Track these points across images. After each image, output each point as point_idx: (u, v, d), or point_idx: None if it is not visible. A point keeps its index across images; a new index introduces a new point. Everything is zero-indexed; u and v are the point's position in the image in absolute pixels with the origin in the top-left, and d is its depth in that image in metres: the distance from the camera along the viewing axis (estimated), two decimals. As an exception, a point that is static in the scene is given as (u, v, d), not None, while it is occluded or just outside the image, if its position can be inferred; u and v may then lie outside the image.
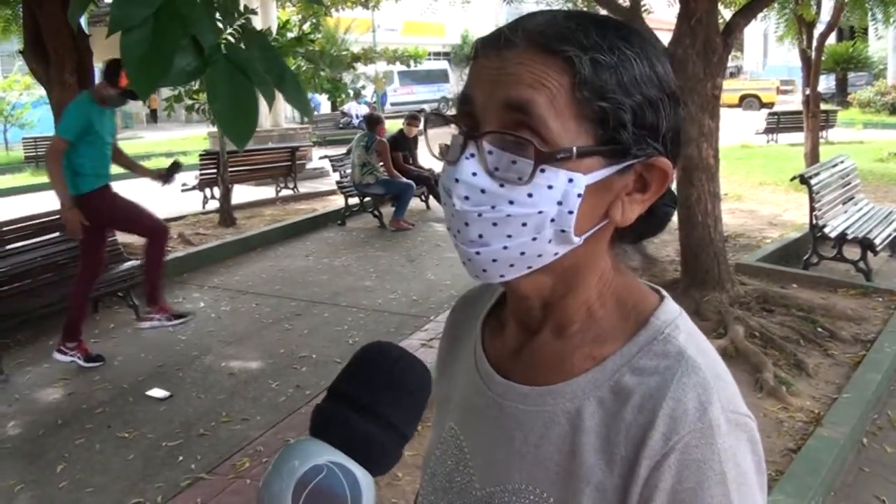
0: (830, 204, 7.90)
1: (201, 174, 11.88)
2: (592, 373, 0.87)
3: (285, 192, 13.42)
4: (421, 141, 9.10)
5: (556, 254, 0.85)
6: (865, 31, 17.48)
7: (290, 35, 10.37)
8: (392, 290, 7.70)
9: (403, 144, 11.67)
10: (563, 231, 0.82)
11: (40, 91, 13.12)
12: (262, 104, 2.03)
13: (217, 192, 11.46)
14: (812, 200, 7.56)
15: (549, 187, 0.80)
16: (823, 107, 16.20)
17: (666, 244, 7.39)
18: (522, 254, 0.83)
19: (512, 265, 0.84)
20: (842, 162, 8.65)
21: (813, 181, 7.60)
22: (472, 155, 0.82)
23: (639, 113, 0.81)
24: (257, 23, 8.06)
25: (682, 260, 6.41)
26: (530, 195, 0.80)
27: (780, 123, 19.73)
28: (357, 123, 24.05)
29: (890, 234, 7.70)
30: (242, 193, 12.76)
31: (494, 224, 0.82)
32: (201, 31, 1.87)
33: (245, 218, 11.27)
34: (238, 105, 1.91)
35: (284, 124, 18.26)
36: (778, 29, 13.96)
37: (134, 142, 24.68)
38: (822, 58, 13.30)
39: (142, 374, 5.67)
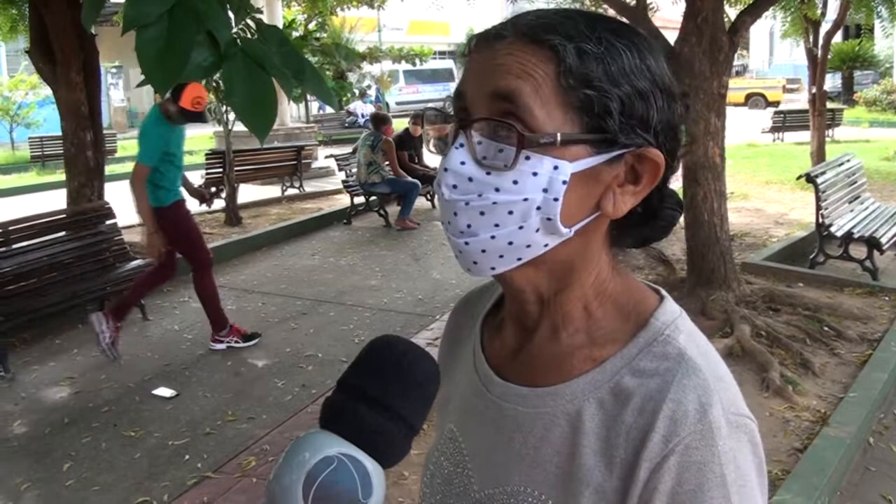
0: (837, 203, 7.88)
1: (207, 174, 11.89)
2: (592, 374, 0.87)
3: (291, 192, 13.42)
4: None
5: (546, 245, 0.84)
6: (872, 29, 17.39)
7: (295, 34, 10.37)
8: (398, 290, 7.70)
9: (409, 144, 11.68)
10: (549, 219, 0.82)
11: (46, 90, 13.17)
12: (282, 98, 2.03)
13: (223, 191, 11.46)
14: (818, 199, 7.54)
15: (535, 174, 0.80)
16: (829, 105, 16.14)
17: (672, 243, 7.38)
18: (510, 243, 0.83)
19: (501, 256, 0.84)
20: (848, 160, 8.62)
21: (819, 180, 7.58)
22: (462, 145, 0.83)
23: (626, 103, 0.81)
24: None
25: (689, 259, 6.40)
26: (515, 182, 0.81)
27: (785, 122, 19.67)
28: (362, 122, 24.06)
29: (896, 234, 7.67)
30: (248, 193, 12.77)
31: (482, 213, 0.82)
32: (217, 26, 1.87)
33: (251, 217, 11.28)
34: (257, 98, 1.92)
35: (290, 123, 18.26)
36: (784, 26, 13.92)
37: (140, 141, 24.69)
38: (829, 56, 13.25)
39: (148, 373, 5.68)
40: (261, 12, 2.87)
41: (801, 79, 30.88)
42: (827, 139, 14.18)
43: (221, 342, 6.05)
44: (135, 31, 1.78)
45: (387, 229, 10.72)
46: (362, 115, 25.14)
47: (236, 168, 11.30)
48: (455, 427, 1.01)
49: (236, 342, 6.07)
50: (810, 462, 3.90)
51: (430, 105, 1.02)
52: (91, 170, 7.87)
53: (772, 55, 41.53)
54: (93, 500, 4.08)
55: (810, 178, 7.58)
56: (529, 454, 0.89)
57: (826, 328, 5.74)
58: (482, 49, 0.85)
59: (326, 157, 15.15)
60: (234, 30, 2.08)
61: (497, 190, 0.81)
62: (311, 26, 18.75)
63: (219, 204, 11.60)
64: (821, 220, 7.54)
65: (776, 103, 29.49)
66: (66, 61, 7.55)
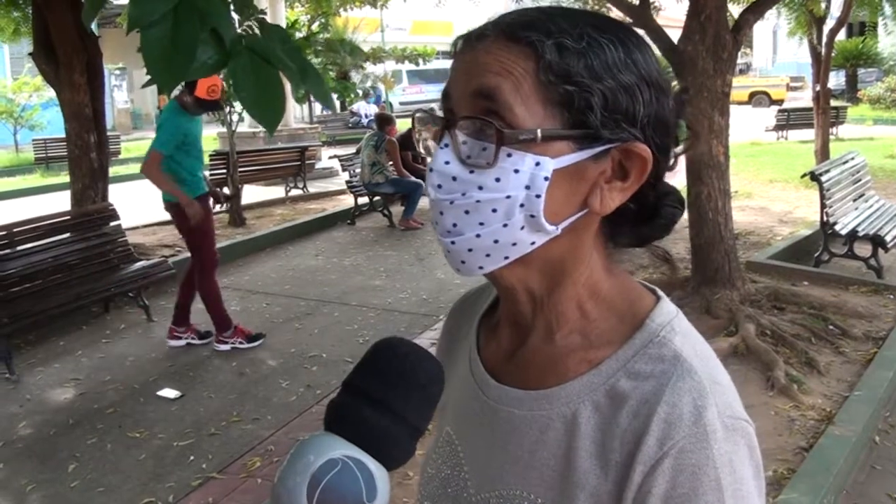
0: (841, 201, 7.86)
1: (211, 174, 11.89)
2: (588, 376, 0.86)
3: (295, 192, 13.43)
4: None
5: (532, 243, 0.84)
6: (875, 26, 17.40)
7: (298, 34, 10.38)
8: (402, 290, 7.70)
9: (412, 144, 11.65)
10: (532, 216, 0.82)
11: (50, 93, 13.17)
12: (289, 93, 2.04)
13: (227, 192, 11.47)
14: (823, 197, 7.52)
15: (516, 171, 0.80)
16: (833, 103, 16.12)
17: (676, 242, 7.38)
18: (496, 241, 0.83)
19: (488, 255, 0.84)
20: (852, 159, 8.60)
21: (823, 178, 7.56)
22: (447, 145, 0.84)
23: (610, 97, 0.80)
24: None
25: (693, 258, 6.39)
26: (498, 179, 0.81)
27: (789, 120, 19.65)
28: (366, 123, 24.06)
29: (901, 231, 7.65)
30: (252, 193, 12.78)
31: (466, 212, 0.82)
32: (221, 24, 1.87)
33: (255, 218, 11.29)
34: (264, 92, 1.92)
35: (293, 124, 18.27)
36: (789, 24, 13.90)
37: (144, 142, 24.73)
38: (832, 54, 13.23)
39: (153, 374, 5.69)
40: (264, 13, 2.87)
41: (804, 77, 30.87)
42: (831, 137, 14.15)
43: (226, 343, 6.05)
44: (139, 30, 1.78)
45: (391, 229, 10.73)
46: (366, 116, 25.15)
47: (240, 169, 11.32)
48: (451, 430, 1.01)
49: (240, 343, 6.07)
50: (816, 461, 3.90)
51: (420, 107, 1.02)
52: (95, 171, 7.89)
53: (775, 53, 41.49)
54: (98, 501, 4.08)
55: (814, 177, 7.56)
56: (525, 457, 0.88)
57: (831, 327, 5.73)
58: (466, 49, 0.86)
59: (330, 157, 15.15)
60: (239, 30, 2.08)
61: (480, 188, 0.81)
62: (315, 27, 18.77)
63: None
64: (825, 218, 7.52)
65: (780, 101, 29.43)
66: (69, 63, 7.56)
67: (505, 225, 0.82)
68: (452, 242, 0.85)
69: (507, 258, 0.85)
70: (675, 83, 0.89)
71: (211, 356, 5.98)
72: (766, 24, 30.63)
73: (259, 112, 1.92)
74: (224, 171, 11.41)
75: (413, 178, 10.88)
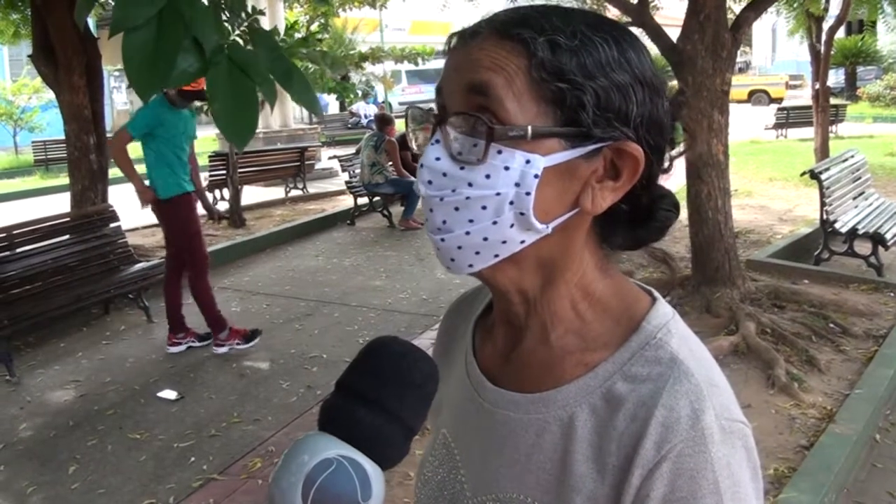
0: (841, 199, 7.86)
1: (211, 175, 11.90)
2: (584, 379, 0.86)
3: (294, 193, 13.44)
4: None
5: (522, 242, 0.83)
6: (874, 24, 17.39)
7: (297, 36, 10.38)
8: (402, 290, 7.70)
9: (412, 144, 11.66)
10: (522, 214, 0.81)
11: (49, 95, 13.20)
12: (267, 106, 2.02)
13: (227, 193, 11.49)
14: (822, 196, 7.52)
15: (506, 168, 0.80)
16: (833, 101, 16.11)
17: (676, 241, 7.37)
18: (485, 239, 0.83)
19: (478, 252, 0.84)
20: (852, 157, 8.60)
21: (823, 176, 7.56)
22: (438, 141, 0.83)
23: (602, 96, 0.80)
24: (265, 23, 8.07)
25: (693, 256, 6.39)
26: (488, 176, 0.80)
27: (789, 118, 19.67)
28: (365, 123, 24.06)
29: (901, 229, 7.65)
30: (252, 194, 12.78)
31: (456, 209, 0.82)
32: (203, 32, 1.86)
33: (255, 219, 11.30)
34: (238, 105, 1.91)
35: (293, 125, 18.27)
36: (789, 23, 13.90)
37: (143, 144, 24.76)
38: (832, 52, 13.22)
39: (153, 375, 5.69)
40: (262, 13, 2.87)
41: (804, 75, 30.86)
42: (830, 135, 14.16)
43: (223, 346, 6.03)
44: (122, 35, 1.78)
45: (390, 230, 10.73)
46: (365, 116, 25.16)
47: (240, 170, 11.32)
48: (447, 432, 1.01)
49: (238, 344, 6.06)
50: (817, 459, 3.89)
51: (414, 104, 1.01)
52: (94, 173, 7.89)
53: (775, 52, 41.51)
54: (99, 503, 4.08)
55: (814, 175, 7.56)
56: (521, 460, 0.88)
57: (831, 325, 5.73)
58: (459, 46, 0.85)
59: (330, 158, 15.16)
60: (235, 34, 2.08)
61: (470, 185, 0.81)
62: (314, 27, 18.75)
63: (223, 206, 11.66)
64: (825, 216, 7.52)
65: (779, 100, 29.45)
66: (68, 65, 7.56)
67: (494, 222, 0.82)
68: (442, 240, 0.84)
69: (496, 256, 0.84)
70: (671, 84, 0.89)
71: (211, 357, 5.98)
72: (765, 22, 30.59)
73: (230, 125, 1.91)
74: (224, 171, 11.42)
75: (413, 179, 10.85)
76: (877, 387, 4.73)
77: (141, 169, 5.76)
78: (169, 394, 5.32)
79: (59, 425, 4.96)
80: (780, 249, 7.90)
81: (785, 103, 25.32)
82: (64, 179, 11.18)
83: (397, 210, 10.96)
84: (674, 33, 6.09)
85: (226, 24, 2.15)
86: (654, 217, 0.91)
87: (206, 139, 19.70)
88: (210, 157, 12.48)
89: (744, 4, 7.09)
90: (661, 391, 0.80)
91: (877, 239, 7.23)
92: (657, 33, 6.06)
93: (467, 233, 0.83)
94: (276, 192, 13.58)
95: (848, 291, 6.57)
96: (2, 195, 15.82)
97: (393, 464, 0.76)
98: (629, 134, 0.82)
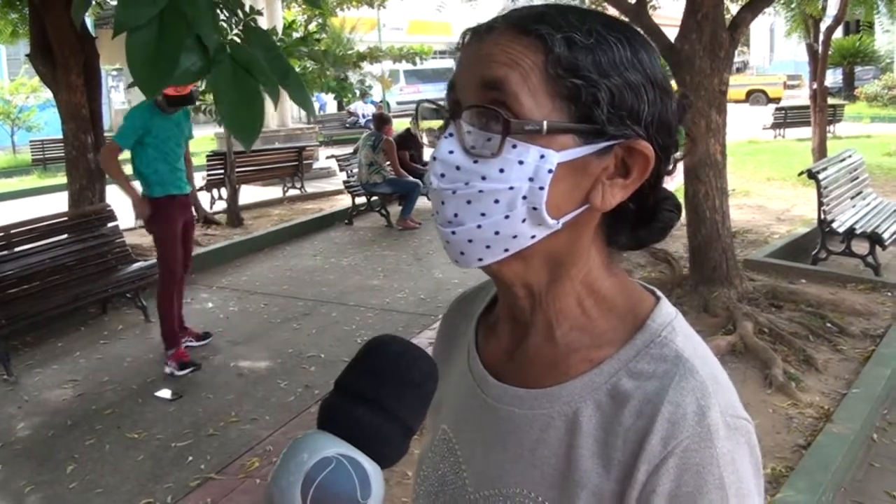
0: (838, 199, 7.87)
1: (208, 175, 11.90)
2: (589, 376, 0.87)
3: (292, 192, 13.44)
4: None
5: (533, 237, 0.84)
6: (872, 24, 17.41)
7: (295, 35, 10.38)
8: (400, 289, 7.70)
9: (410, 143, 11.68)
10: (535, 209, 0.82)
11: (47, 94, 13.20)
12: (269, 104, 2.02)
13: (224, 192, 11.49)
14: (820, 195, 7.52)
15: (521, 162, 0.81)
16: (830, 101, 16.13)
17: (674, 240, 7.38)
18: (497, 233, 0.83)
19: (488, 246, 0.84)
20: (849, 156, 8.61)
21: (821, 176, 7.56)
22: (451, 134, 0.84)
23: (616, 94, 0.81)
24: (263, 23, 8.07)
25: (691, 256, 6.40)
26: (502, 170, 0.81)
27: (787, 118, 19.68)
28: (363, 123, 24.06)
29: (898, 229, 7.65)
30: (250, 194, 12.77)
31: (468, 202, 0.83)
32: (205, 31, 1.86)
33: (252, 218, 11.29)
34: (244, 105, 1.91)
35: (291, 124, 18.27)
36: (787, 25, 13.91)
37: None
38: (829, 52, 13.22)
39: (151, 374, 5.68)
40: (260, 13, 2.87)
41: (801, 75, 30.88)
42: (828, 135, 14.17)
43: (168, 364, 5.69)
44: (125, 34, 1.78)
45: (388, 229, 10.72)
46: (363, 116, 25.15)
47: (237, 169, 11.31)
48: (449, 428, 1.01)
49: (172, 367, 5.66)
50: (814, 459, 3.90)
51: (425, 99, 1.02)
52: (92, 172, 7.88)
53: (772, 52, 41.53)
54: (96, 502, 4.08)
55: (812, 175, 7.57)
56: (525, 456, 0.88)
57: (829, 324, 5.74)
58: (474, 41, 0.86)
59: (327, 157, 15.15)
60: (233, 33, 2.08)
61: (483, 178, 0.82)
62: (312, 27, 18.75)
63: (220, 205, 11.67)
64: (823, 216, 7.53)
65: (777, 100, 29.48)
66: (66, 64, 7.56)
67: (507, 216, 0.82)
68: (453, 233, 0.85)
69: (506, 251, 0.85)
70: (674, 86, 0.90)
71: (209, 356, 5.98)
72: (763, 22, 30.61)
73: (237, 125, 1.91)
74: (221, 171, 11.42)
75: (411, 178, 10.88)
76: (874, 386, 4.73)
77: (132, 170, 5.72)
78: (166, 393, 5.32)
79: (56, 425, 4.96)
80: (777, 249, 7.91)
81: (783, 103, 25.34)
82: (61, 179, 11.17)
83: (395, 210, 10.96)
84: (671, 33, 6.09)
85: (223, 24, 2.15)
86: (657, 218, 0.92)
87: (204, 138, 19.68)
88: (208, 156, 12.48)
89: (741, 4, 7.10)
90: (667, 388, 0.81)
91: (874, 238, 7.24)
92: (655, 33, 6.06)
93: (479, 226, 0.83)
94: (274, 192, 13.57)
95: (845, 291, 6.58)
96: (-1, 195, 15.82)
97: (392, 463, 0.76)
98: (640, 133, 0.83)
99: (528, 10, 0.85)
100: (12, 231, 6.46)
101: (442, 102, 0.89)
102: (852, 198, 8.24)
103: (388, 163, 10.80)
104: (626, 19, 6.09)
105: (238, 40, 2.08)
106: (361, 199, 11.22)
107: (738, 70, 36.71)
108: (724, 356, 5.10)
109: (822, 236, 7.61)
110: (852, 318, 5.88)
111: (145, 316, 6.88)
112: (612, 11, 6.62)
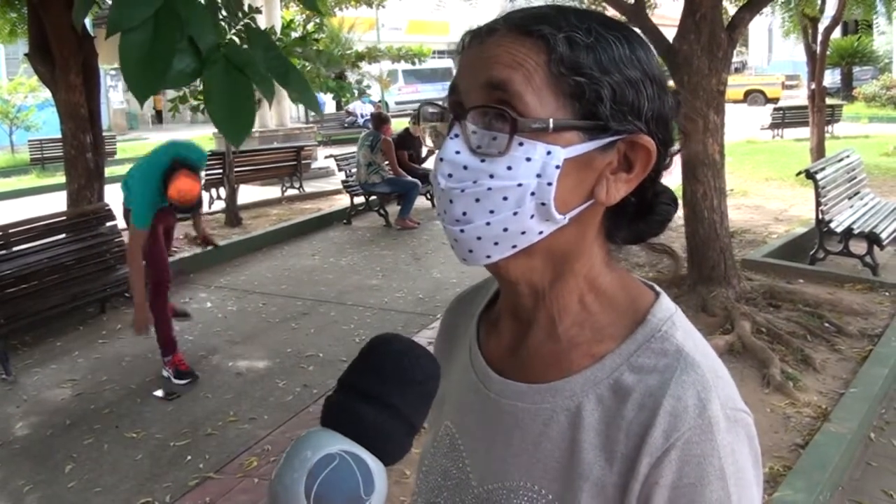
0: (836, 199, 7.87)
1: (207, 175, 11.88)
2: (591, 370, 0.88)
3: (291, 192, 13.43)
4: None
5: (540, 233, 0.85)
6: (870, 24, 17.40)
7: (293, 35, 10.37)
8: (398, 289, 7.70)
9: (409, 143, 11.68)
10: (543, 204, 0.83)
11: (46, 93, 13.16)
12: (268, 104, 2.02)
13: (223, 192, 11.48)
14: (818, 195, 7.53)
15: (528, 160, 0.82)
16: (829, 101, 16.12)
17: (672, 240, 7.38)
18: (506, 230, 0.84)
19: (496, 243, 0.85)
20: (848, 156, 8.61)
21: (819, 176, 7.57)
22: (457, 135, 0.85)
23: (617, 90, 0.83)
24: (261, 22, 8.07)
25: (689, 256, 6.40)
26: (510, 168, 0.82)
27: (785, 118, 19.68)
28: (362, 122, 24.04)
29: (896, 229, 7.66)
30: (248, 193, 12.77)
31: (477, 200, 0.84)
32: (199, 33, 1.86)
33: (251, 218, 11.30)
34: (235, 104, 1.91)
35: (289, 124, 18.26)
36: (784, 25, 13.92)
37: (139, 143, 24.72)
38: (828, 52, 13.23)
39: (149, 374, 5.68)
40: (259, 11, 2.87)
41: (800, 75, 30.93)
42: (826, 135, 14.17)
43: (166, 369, 5.60)
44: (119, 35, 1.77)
45: (387, 229, 10.73)
46: (361, 115, 25.14)
47: (236, 169, 11.32)
48: (451, 424, 1.02)
49: (169, 373, 5.57)
50: (811, 458, 3.91)
51: (426, 101, 1.03)
52: (91, 172, 7.88)
53: (771, 52, 41.56)
54: (95, 502, 4.08)
55: (810, 175, 7.57)
56: (529, 450, 0.90)
57: (826, 324, 5.74)
58: (475, 44, 0.87)
59: (326, 157, 15.15)
60: (231, 32, 2.08)
61: (492, 176, 0.83)
62: (310, 27, 18.74)
63: (219, 205, 11.66)
64: (821, 216, 7.53)
65: (775, 100, 29.49)
66: (65, 64, 7.55)
67: (515, 213, 0.83)
68: (462, 231, 0.85)
69: (514, 247, 0.86)
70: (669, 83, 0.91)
71: (207, 355, 5.99)
72: (761, 22, 30.63)
73: (226, 123, 1.92)
74: (220, 171, 11.41)
75: (409, 178, 10.88)
76: (871, 385, 4.74)
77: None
78: (159, 392, 5.32)
79: (55, 424, 4.96)
80: (775, 249, 7.92)
81: (781, 103, 25.34)
82: (60, 178, 11.17)
83: (394, 209, 10.96)
84: (670, 33, 6.09)
85: (222, 24, 2.15)
86: (655, 211, 0.93)
87: (203, 138, 19.67)
88: (207, 156, 12.44)
89: (740, 4, 7.10)
90: (669, 381, 0.82)
91: (872, 238, 7.24)
92: (653, 33, 6.06)
93: (488, 223, 0.84)
94: (273, 192, 13.57)
95: (843, 291, 6.59)
96: (-2, 194, 15.81)
97: (394, 460, 0.77)
98: (641, 127, 0.85)
99: (529, 11, 0.86)
100: (11, 230, 6.46)
101: (443, 104, 0.90)
102: (850, 198, 8.24)
103: (386, 163, 10.80)
104: (625, 19, 6.10)
105: (237, 40, 2.08)
106: (360, 199, 11.23)
107: (737, 70, 36.73)
108: (721, 356, 5.01)
109: (820, 236, 7.61)
110: (850, 318, 5.89)
111: (144, 315, 6.88)
112: (611, 12, 6.62)
